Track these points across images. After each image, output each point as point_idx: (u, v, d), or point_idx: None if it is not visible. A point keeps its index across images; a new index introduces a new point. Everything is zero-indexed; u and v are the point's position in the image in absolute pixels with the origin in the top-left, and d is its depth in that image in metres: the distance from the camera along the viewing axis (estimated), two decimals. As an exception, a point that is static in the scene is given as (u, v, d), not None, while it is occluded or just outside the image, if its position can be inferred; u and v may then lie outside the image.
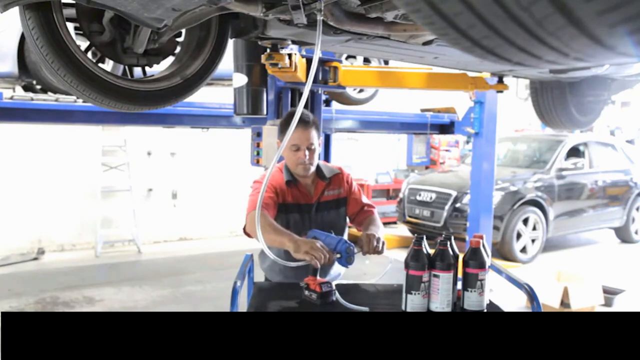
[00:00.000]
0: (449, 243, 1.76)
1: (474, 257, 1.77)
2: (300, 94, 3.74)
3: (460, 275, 1.83)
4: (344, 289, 2.04)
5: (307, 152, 2.07)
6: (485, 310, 1.77)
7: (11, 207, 6.20)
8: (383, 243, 2.00)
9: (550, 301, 4.20)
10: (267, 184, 1.90)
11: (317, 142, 2.12)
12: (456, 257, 1.80)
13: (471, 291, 1.75)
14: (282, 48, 2.37)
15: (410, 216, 6.78)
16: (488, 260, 1.80)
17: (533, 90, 3.68)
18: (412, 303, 1.72)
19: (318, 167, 2.19)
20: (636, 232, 7.65)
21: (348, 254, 1.81)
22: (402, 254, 1.95)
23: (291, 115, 2.08)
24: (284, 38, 2.18)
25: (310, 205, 2.16)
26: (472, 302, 1.76)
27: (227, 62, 2.40)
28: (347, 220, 2.30)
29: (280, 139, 2.10)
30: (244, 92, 2.89)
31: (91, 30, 1.95)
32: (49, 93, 4.02)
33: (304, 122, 2.04)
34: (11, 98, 3.98)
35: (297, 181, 2.16)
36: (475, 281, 1.75)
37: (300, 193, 2.16)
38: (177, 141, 7.13)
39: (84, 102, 2.37)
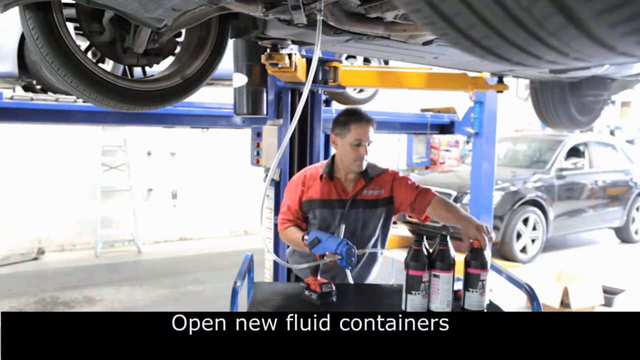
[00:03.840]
0: (448, 243, 1.76)
1: (476, 258, 1.78)
2: (300, 94, 3.74)
3: (458, 275, 1.83)
4: (344, 289, 2.05)
5: (367, 148, 2.13)
6: (485, 311, 1.78)
7: (11, 207, 6.20)
8: (487, 228, 1.86)
9: (550, 301, 4.20)
10: (292, 191, 2.16)
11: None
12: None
13: (472, 291, 1.76)
14: (282, 48, 2.37)
15: (410, 216, 6.78)
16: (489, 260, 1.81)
17: (533, 90, 3.68)
18: (412, 303, 1.72)
19: None
20: (636, 232, 7.64)
21: (349, 255, 1.81)
22: (402, 254, 1.95)
23: (350, 112, 2.17)
24: (284, 38, 2.18)
25: (344, 201, 2.16)
26: (473, 302, 1.76)
27: (227, 62, 2.40)
28: (389, 219, 2.26)
29: (340, 135, 2.14)
30: (244, 92, 2.88)
31: (91, 30, 1.95)
32: (49, 93, 4.01)
33: (365, 119, 2.13)
34: (11, 98, 3.97)
35: (334, 177, 2.19)
36: (477, 281, 1.75)
37: (334, 189, 2.18)
38: (177, 141, 7.13)
39: (84, 102, 2.36)
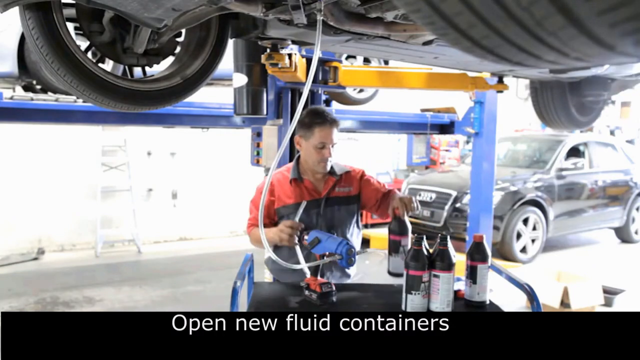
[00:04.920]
0: (448, 243, 1.77)
1: (478, 251, 1.82)
2: (300, 94, 3.74)
3: (458, 275, 1.85)
4: (344, 289, 2.05)
5: (331, 150, 2.11)
6: (488, 303, 1.83)
7: (11, 207, 6.20)
8: (416, 201, 2.02)
9: (550, 301, 4.20)
10: (265, 198, 2.03)
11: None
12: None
13: (395, 256, 1.88)
14: (282, 48, 2.37)
15: (410, 216, 6.77)
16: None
17: (533, 90, 3.68)
18: (412, 303, 1.72)
19: None
20: (636, 232, 7.64)
21: (349, 255, 1.81)
22: (402, 254, 1.94)
23: (314, 113, 2.14)
24: (284, 38, 2.18)
25: (318, 200, 2.17)
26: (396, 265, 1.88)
27: (227, 62, 2.40)
28: (359, 216, 2.29)
29: (304, 137, 2.13)
30: (244, 92, 2.88)
31: (91, 30, 1.95)
32: (49, 93, 4.02)
33: (329, 121, 2.10)
34: (11, 98, 3.97)
35: (303, 179, 2.19)
36: (398, 247, 1.88)
37: (306, 190, 2.18)
38: (177, 141, 7.13)
39: (84, 102, 2.37)
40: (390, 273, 1.95)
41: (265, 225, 2.16)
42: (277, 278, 2.33)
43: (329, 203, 2.18)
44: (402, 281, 1.78)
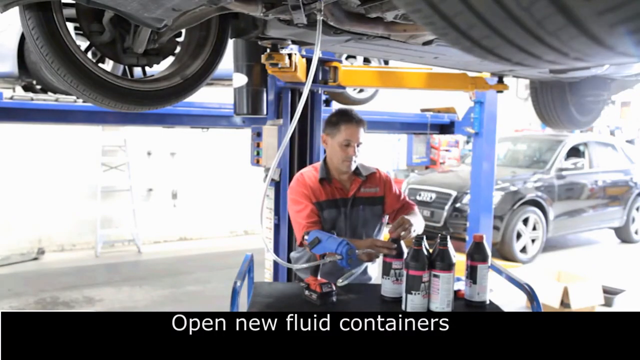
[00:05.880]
0: (448, 243, 1.77)
1: (478, 251, 1.82)
2: (300, 94, 3.74)
3: (458, 275, 1.84)
4: (344, 289, 2.04)
5: (356, 149, 2.14)
6: (488, 303, 1.83)
7: (11, 207, 6.19)
8: (414, 230, 2.00)
9: (550, 301, 4.20)
10: (301, 194, 2.10)
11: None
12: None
13: (386, 278, 1.85)
14: (282, 48, 2.37)
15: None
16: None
17: (533, 90, 3.68)
18: (412, 303, 1.73)
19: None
20: (636, 232, 7.64)
21: (349, 255, 1.81)
22: (402, 254, 1.94)
23: (341, 112, 2.19)
24: (284, 38, 2.18)
25: (347, 199, 2.19)
26: (387, 288, 1.86)
27: (227, 62, 2.40)
28: (384, 218, 2.31)
29: (330, 134, 2.16)
30: (244, 92, 2.88)
31: (91, 30, 1.95)
32: (49, 93, 4.01)
33: (356, 120, 2.14)
34: (11, 98, 3.97)
35: (331, 179, 2.20)
36: (389, 269, 1.85)
37: (335, 189, 2.20)
38: (177, 141, 7.13)
39: (84, 102, 2.37)
40: (382, 296, 1.88)
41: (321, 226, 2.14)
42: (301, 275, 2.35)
43: (355, 203, 2.20)
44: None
